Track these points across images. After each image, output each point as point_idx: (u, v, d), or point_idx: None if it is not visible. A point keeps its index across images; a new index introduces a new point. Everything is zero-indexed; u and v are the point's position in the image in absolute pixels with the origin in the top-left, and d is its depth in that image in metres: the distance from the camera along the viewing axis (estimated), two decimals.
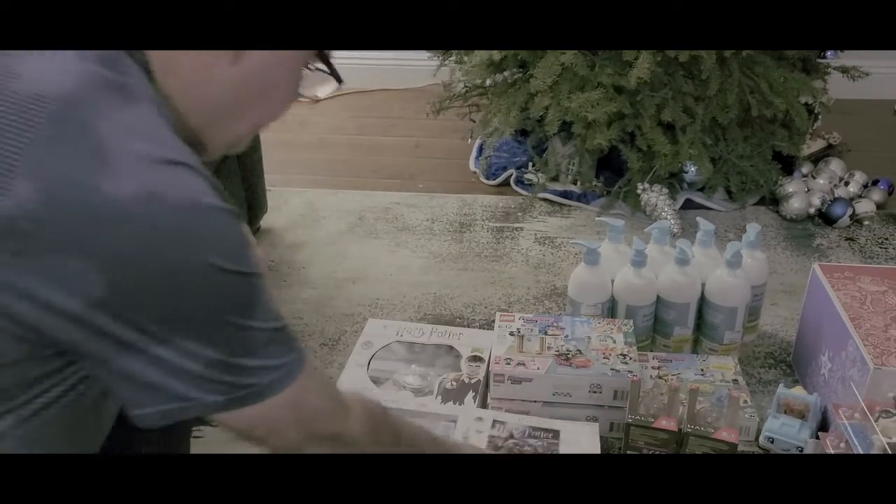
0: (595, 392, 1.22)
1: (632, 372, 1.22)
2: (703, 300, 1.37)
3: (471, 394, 1.25)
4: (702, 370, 1.33)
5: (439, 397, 1.25)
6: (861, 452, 1.02)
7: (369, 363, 1.32)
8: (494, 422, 1.20)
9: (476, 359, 1.33)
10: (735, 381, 1.31)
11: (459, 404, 1.23)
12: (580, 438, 1.17)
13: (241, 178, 1.72)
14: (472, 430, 1.18)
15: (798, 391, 1.25)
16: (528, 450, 1.15)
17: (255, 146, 1.77)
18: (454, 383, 1.27)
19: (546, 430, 1.19)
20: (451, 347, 1.36)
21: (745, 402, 1.26)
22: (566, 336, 1.30)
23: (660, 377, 1.31)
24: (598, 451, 1.16)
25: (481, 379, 1.28)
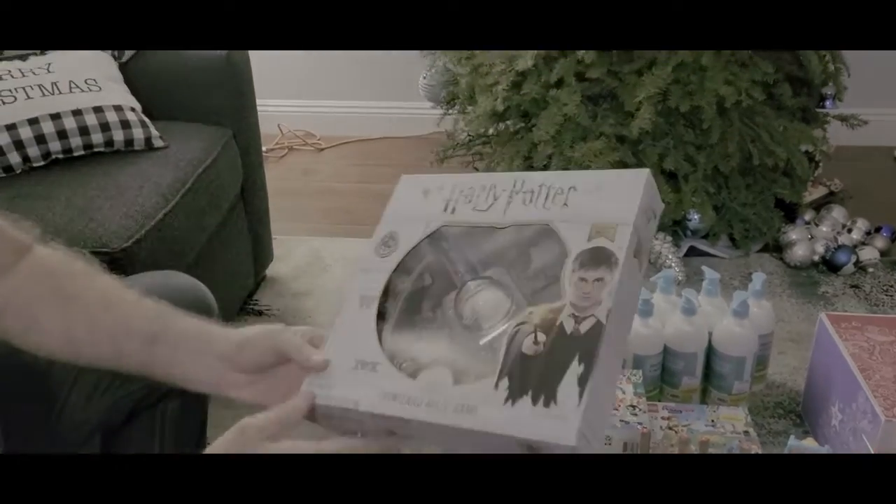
0: (605, 444, 1.21)
1: (641, 423, 1.21)
2: (710, 349, 1.37)
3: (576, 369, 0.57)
4: (712, 421, 1.32)
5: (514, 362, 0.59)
6: None
7: (387, 288, 0.70)
8: None
9: (599, 261, 0.61)
10: (746, 432, 1.29)
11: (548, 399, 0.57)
12: None
13: (248, 226, 1.73)
14: None
15: (809, 443, 1.23)
16: None
17: (261, 195, 1.79)
18: (541, 338, 0.59)
19: None
20: (553, 232, 0.64)
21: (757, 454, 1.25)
22: None
23: (670, 428, 1.30)
24: None
25: (603, 321, 0.58)
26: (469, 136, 2.10)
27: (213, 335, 0.71)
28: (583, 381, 0.56)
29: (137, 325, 0.72)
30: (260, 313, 1.73)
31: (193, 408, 0.99)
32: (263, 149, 1.97)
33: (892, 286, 1.78)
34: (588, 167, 1.79)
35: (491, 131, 2.02)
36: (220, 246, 1.57)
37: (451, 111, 2.15)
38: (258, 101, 1.74)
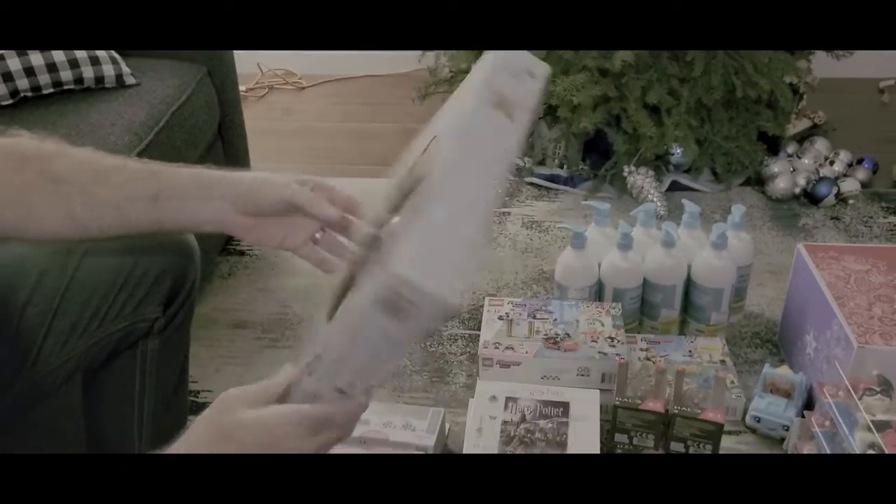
0: (583, 375, 1.23)
1: (619, 354, 1.22)
2: (689, 282, 1.38)
3: None
4: (690, 352, 1.34)
5: None
6: (846, 429, 1.03)
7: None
8: (507, 399, 1.19)
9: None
10: (722, 361, 1.32)
11: None
12: (588, 413, 1.16)
13: (227, 167, 1.71)
14: (485, 416, 1.17)
15: (784, 371, 1.26)
16: (538, 436, 1.14)
17: (240, 134, 1.76)
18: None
19: (556, 403, 1.18)
20: None
21: (732, 382, 1.27)
22: (555, 320, 1.30)
23: (648, 359, 1.32)
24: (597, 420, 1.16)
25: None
26: (451, 71, 2.06)
27: (213, 180, 0.74)
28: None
29: (136, 188, 0.72)
30: (242, 253, 1.73)
31: (175, 347, 1.00)
32: (243, 88, 1.93)
33: (871, 217, 1.79)
34: (570, 101, 1.77)
35: (473, 66, 1.98)
36: None
37: None
38: None
